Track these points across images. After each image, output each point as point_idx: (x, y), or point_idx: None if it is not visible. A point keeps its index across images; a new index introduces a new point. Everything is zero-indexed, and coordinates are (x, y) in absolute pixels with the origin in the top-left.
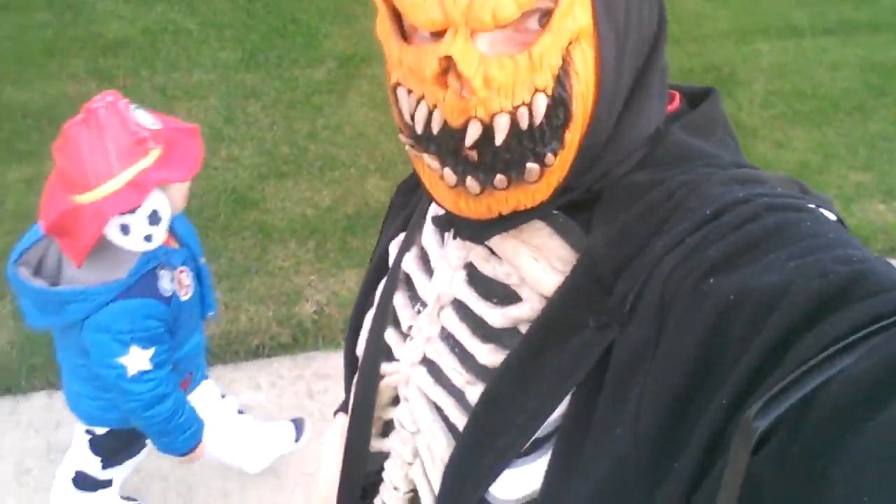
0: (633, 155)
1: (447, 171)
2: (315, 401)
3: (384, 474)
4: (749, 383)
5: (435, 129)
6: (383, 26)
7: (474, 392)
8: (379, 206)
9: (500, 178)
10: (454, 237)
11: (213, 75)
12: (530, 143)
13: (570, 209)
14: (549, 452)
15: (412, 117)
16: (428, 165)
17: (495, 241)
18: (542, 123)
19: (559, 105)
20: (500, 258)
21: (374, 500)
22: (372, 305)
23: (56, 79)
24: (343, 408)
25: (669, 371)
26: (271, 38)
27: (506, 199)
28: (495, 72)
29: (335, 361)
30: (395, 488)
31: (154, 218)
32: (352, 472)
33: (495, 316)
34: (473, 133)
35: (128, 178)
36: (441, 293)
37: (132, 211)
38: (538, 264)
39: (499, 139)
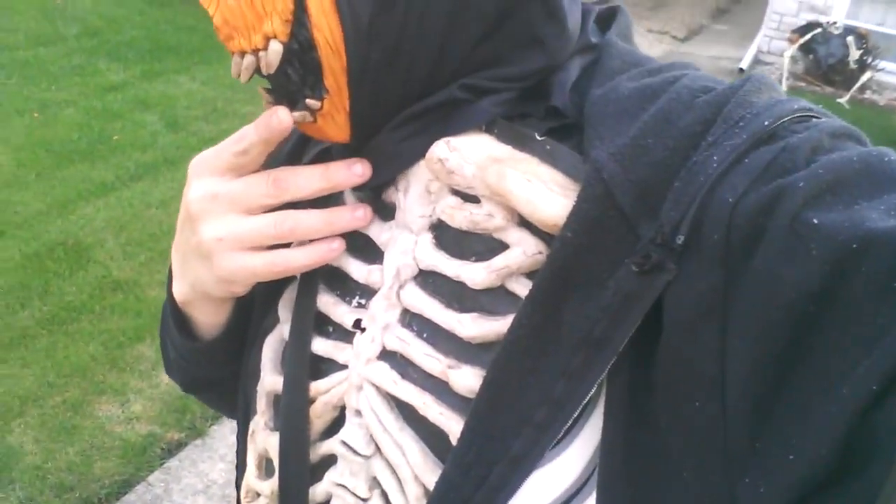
0: (572, 62)
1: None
2: None
3: None
4: None
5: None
6: None
7: (461, 377)
8: None
9: (297, 114)
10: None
11: None
12: (295, 85)
13: (552, 137)
14: (580, 438)
15: None
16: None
17: (472, 177)
18: (296, 68)
19: (307, 51)
20: (475, 201)
21: None
22: (271, 328)
23: None
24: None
25: (766, 327)
26: None
27: (320, 130)
28: (228, 14)
29: None
30: None
31: None
32: None
33: (476, 272)
34: (238, 62)
35: None
36: (401, 267)
37: None
38: (532, 185)
39: (244, 77)
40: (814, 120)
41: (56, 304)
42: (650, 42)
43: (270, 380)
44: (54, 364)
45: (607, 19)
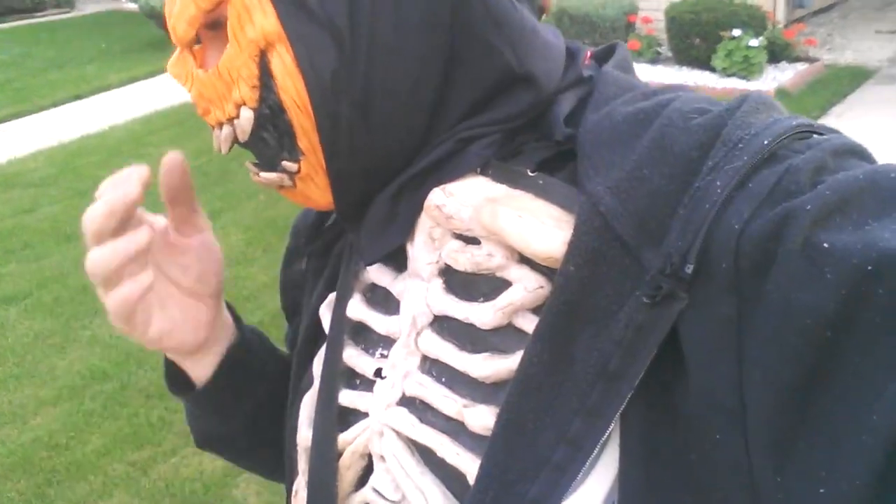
0: (565, 96)
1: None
2: None
3: None
4: None
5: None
6: None
7: (476, 416)
8: None
9: (275, 175)
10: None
11: None
12: (272, 150)
13: (544, 169)
14: (594, 476)
15: None
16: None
17: (469, 220)
18: (270, 132)
19: (278, 115)
20: (476, 243)
21: None
22: (307, 388)
23: None
24: None
25: (783, 355)
26: None
27: (303, 194)
28: (201, 87)
29: None
30: None
31: None
32: None
33: (483, 312)
34: (218, 135)
35: None
36: (417, 315)
37: None
38: (524, 220)
39: (224, 149)
40: (815, 137)
41: None
42: (881, 44)
43: (305, 436)
44: None
45: (605, 56)
